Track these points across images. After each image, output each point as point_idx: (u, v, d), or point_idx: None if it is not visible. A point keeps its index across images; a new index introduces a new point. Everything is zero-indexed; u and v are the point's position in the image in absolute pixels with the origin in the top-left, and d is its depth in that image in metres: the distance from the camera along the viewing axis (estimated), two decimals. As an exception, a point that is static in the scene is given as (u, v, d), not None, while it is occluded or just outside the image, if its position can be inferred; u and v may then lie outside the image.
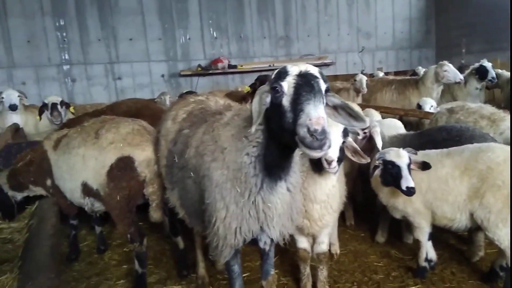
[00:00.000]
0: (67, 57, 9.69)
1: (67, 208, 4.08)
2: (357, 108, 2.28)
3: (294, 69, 1.97)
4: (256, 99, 2.11)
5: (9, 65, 9.22)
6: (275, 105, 1.99)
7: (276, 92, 1.97)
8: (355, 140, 3.39)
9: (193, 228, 3.21)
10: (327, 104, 2.03)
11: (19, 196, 4.17)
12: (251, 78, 10.88)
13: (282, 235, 2.54)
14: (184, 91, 9.16)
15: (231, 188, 2.32)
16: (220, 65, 10.79)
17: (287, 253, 3.90)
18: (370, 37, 13.04)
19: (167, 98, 8.49)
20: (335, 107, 2.13)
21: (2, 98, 6.27)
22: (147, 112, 4.81)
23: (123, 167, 3.42)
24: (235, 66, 11.03)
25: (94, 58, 9.92)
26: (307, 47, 12.20)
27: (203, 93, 4.98)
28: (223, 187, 2.35)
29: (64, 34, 9.59)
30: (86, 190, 3.66)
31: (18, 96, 6.36)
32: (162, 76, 10.67)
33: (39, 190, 4.11)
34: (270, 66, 11.28)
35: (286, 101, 1.93)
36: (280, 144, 2.12)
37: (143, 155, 3.46)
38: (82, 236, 4.57)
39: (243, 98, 5.80)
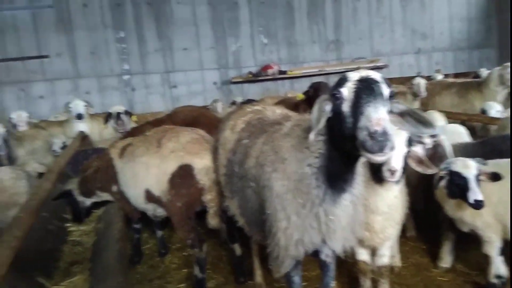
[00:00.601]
0: (127, 67, 10.25)
1: (131, 213, 4.30)
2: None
3: (354, 75, 1.96)
4: (316, 108, 2.11)
5: (74, 76, 9.91)
6: (336, 112, 1.98)
7: (336, 99, 1.96)
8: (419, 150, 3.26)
9: (250, 235, 3.26)
10: (392, 112, 1.98)
11: (88, 201, 4.46)
12: (300, 84, 10.87)
13: (344, 247, 2.50)
14: (235, 98, 9.35)
15: (292, 199, 2.32)
16: (270, 71, 10.86)
17: (345, 264, 3.82)
18: (426, 38, 12.47)
19: (219, 105, 8.72)
20: (401, 114, 2.07)
21: (70, 107, 6.75)
22: (203, 120, 4.96)
23: (183, 175, 3.55)
24: (285, 72, 11.04)
25: (151, 68, 10.40)
26: (358, 50, 11.93)
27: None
28: (284, 198, 2.36)
29: (124, 45, 10.16)
30: (149, 196, 3.83)
31: (85, 105, 6.82)
32: (215, 83, 10.94)
33: (105, 196, 4.37)
34: (320, 70, 11.18)
35: (346, 107, 1.91)
36: (343, 154, 2.10)
37: (201, 163, 3.57)
38: (144, 239, 4.76)
39: (296, 105, 5.80)
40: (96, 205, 4.65)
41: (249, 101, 6.73)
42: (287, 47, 11.44)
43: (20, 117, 6.70)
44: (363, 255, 3.20)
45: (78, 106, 6.72)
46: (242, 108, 3.55)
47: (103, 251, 3.82)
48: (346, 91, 1.92)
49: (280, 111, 3.16)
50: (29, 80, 9.64)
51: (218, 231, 4.38)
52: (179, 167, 3.55)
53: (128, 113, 6.52)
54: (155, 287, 3.87)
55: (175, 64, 10.57)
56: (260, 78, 10.88)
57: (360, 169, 2.32)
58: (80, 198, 4.40)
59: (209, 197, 3.60)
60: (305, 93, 6.09)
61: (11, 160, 5.81)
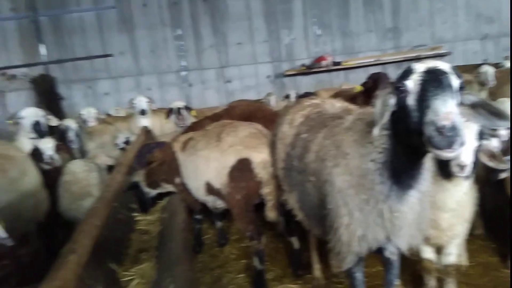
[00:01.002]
0: (184, 63, 10.62)
1: (192, 204, 4.49)
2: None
3: (420, 66, 1.88)
4: (379, 101, 2.06)
5: (137, 73, 10.46)
6: (400, 106, 1.92)
7: (400, 92, 1.90)
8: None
9: (308, 229, 3.27)
10: (463, 103, 1.89)
11: (153, 192, 4.73)
12: (356, 75, 10.57)
13: (410, 245, 2.43)
14: (288, 91, 9.32)
15: (355, 194, 2.30)
16: (324, 62, 10.68)
17: (409, 262, 3.70)
18: (492, 22, 11.52)
19: (273, 98, 8.76)
20: (473, 106, 1.96)
21: (134, 103, 7.16)
22: (260, 114, 5.02)
23: (242, 168, 3.63)
24: (339, 63, 10.80)
25: (207, 63, 10.68)
26: (418, 38, 11.33)
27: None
28: (346, 193, 2.33)
29: (182, 43, 10.52)
30: (209, 189, 3.98)
31: (147, 101, 7.20)
32: (268, 77, 10.98)
33: (169, 187, 4.60)
34: (376, 60, 10.79)
35: (411, 100, 1.85)
36: (408, 149, 2.03)
37: (259, 157, 3.62)
38: (204, 229, 4.94)
39: (353, 98, 5.66)
40: (161, 195, 4.91)
41: (306, 94, 6.66)
42: (342, 38, 11.16)
43: (89, 113, 7.23)
44: (428, 253, 3.09)
45: (142, 102, 7.11)
46: (300, 102, 3.55)
47: (168, 240, 4.03)
48: (412, 84, 1.86)
49: (340, 104, 3.11)
50: (95, 78, 10.33)
51: (276, 224, 4.44)
52: (237, 161, 3.64)
53: (188, 108, 6.79)
54: (216, 276, 4.01)
55: (229, 59, 10.75)
56: (313, 70, 10.75)
57: (428, 164, 2.23)
58: (146, 189, 4.67)
59: (267, 191, 3.65)
60: (364, 84, 5.92)
61: (82, 154, 6.30)
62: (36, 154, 4.65)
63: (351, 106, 3.05)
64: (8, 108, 9.76)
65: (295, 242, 3.91)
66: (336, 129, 2.60)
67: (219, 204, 4.09)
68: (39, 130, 5.28)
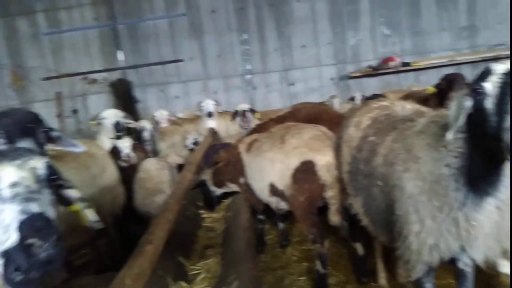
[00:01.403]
0: (249, 67, 10.88)
1: (256, 204, 4.57)
2: None
3: (499, 68, 1.77)
4: (454, 104, 1.97)
5: (204, 77, 10.93)
6: (477, 109, 1.82)
7: (477, 94, 1.80)
8: None
9: (373, 236, 3.19)
10: None
11: (218, 191, 4.91)
12: (426, 76, 10.05)
13: (486, 257, 2.27)
14: (353, 94, 9.11)
15: (427, 201, 2.20)
16: (392, 63, 10.29)
17: (483, 275, 3.44)
18: None
19: (336, 101, 8.62)
20: None
21: (202, 106, 7.50)
22: (325, 116, 4.97)
23: (305, 171, 3.63)
24: (408, 64, 10.34)
25: (271, 66, 10.84)
26: (497, 36, 10.44)
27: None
28: (418, 200, 2.24)
29: (247, 47, 10.79)
30: (273, 190, 4.03)
31: (214, 104, 7.50)
32: (332, 79, 10.85)
33: (234, 187, 4.75)
34: (450, 61, 10.16)
35: (489, 104, 1.75)
36: (486, 154, 1.92)
37: (324, 160, 3.60)
38: (266, 230, 5.01)
39: (425, 99, 5.40)
40: (226, 195, 5.08)
41: (374, 96, 6.46)
42: (412, 37, 10.68)
43: (162, 115, 7.72)
44: (506, 267, 2.85)
45: (209, 105, 7.43)
46: (367, 104, 3.48)
47: (232, 238, 4.16)
48: (490, 86, 1.76)
49: (410, 106, 2.99)
50: (167, 82, 10.97)
51: (340, 229, 4.37)
52: (301, 163, 3.65)
53: (253, 111, 6.96)
54: (278, 276, 4.05)
55: (293, 61, 10.81)
56: (380, 71, 10.39)
57: (508, 170, 2.08)
58: (212, 188, 4.87)
59: (330, 194, 3.62)
60: (437, 86, 5.61)
61: (155, 153, 6.72)
62: (114, 152, 5.06)
63: (424, 109, 2.93)
64: (89, 110, 10.72)
65: (359, 248, 3.82)
66: (407, 132, 2.51)
67: (282, 205, 4.12)
68: (119, 130, 5.70)
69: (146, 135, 6.62)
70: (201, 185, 4.87)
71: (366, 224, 3.06)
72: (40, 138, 2.72)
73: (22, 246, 1.33)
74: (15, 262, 1.34)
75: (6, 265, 1.35)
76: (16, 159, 1.53)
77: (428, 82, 7.08)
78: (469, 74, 9.86)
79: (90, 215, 1.84)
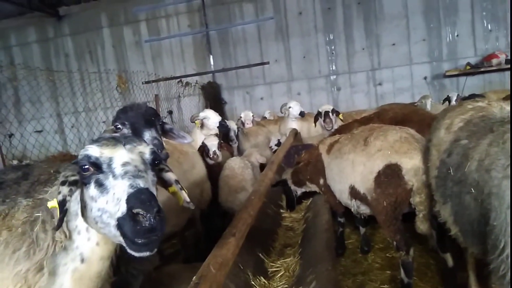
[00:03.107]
0: (334, 68, 10.75)
1: (335, 206, 4.53)
2: None
3: None
4: None
5: (288, 79, 11.09)
6: None
7: None
8: None
9: (464, 247, 2.95)
10: None
11: (299, 191, 4.97)
12: (539, 74, 8.90)
13: None
14: (449, 93, 8.45)
15: None
16: (495, 61, 9.32)
17: None
18: None
19: (429, 101, 8.06)
20: None
21: (290, 107, 7.61)
22: (415, 118, 4.71)
23: (390, 174, 3.49)
24: (515, 61, 9.25)
25: (357, 66, 10.59)
26: None
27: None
28: None
29: (333, 47, 10.67)
30: (354, 192, 3.95)
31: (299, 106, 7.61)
32: (424, 78, 10.19)
33: (313, 187, 4.76)
34: None
35: None
36: None
37: (410, 163, 3.43)
38: (346, 234, 4.93)
39: (532, 100, 4.79)
40: (306, 195, 5.11)
41: (471, 97, 5.92)
42: (520, 31, 9.54)
43: (247, 116, 8.02)
44: None
45: (298, 106, 7.52)
46: (460, 105, 3.23)
47: (312, 238, 4.16)
48: None
49: (509, 107, 2.72)
50: (253, 84, 11.35)
51: (427, 237, 4.12)
52: (386, 166, 3.52)
53: (335, 112, 6.85)
54: (359, 282, 3.96)
55: (381, 61, 10.42)
56: (481, 69, 9.47)
57: None
58: (292, 187, 4.94)
59: (417, 200, 3.43)
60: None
61: (239, 152, 7.00)
62: (203, 150, 5.40)
63: (526, 110, 2.64)
64: (182, 111, 11.55)
65: (449, 259, 3.56)
66: (507, 136, 2.29)
67: (363, 209, 4.02)
68: (223, 129, 6.00)
69: (232, 134, 6.88)
70: (283, 183, 4.97)
71: (455, 233, 2.85)
72: (158, 129, 3.05)
73: (129, 215, 1.53)
74: (123, 229, 1.55)
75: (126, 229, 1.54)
76: (127, 144, 1.77)
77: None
78: None
79: (185, 197, 2.03)
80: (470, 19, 9.81)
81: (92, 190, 1.70)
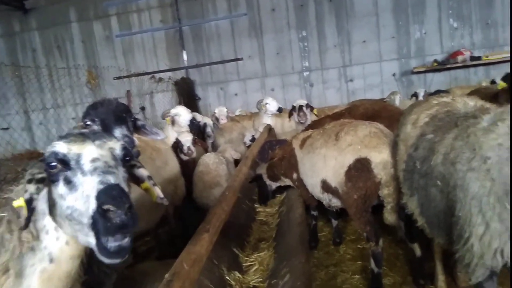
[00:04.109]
0: (307, 64, 10.86)
1: (308, 200, 4.61)
2: None
3: None
4: None
5: (262, 75, 11.12)
6: None
7: None
8: None
9: (430, 237, 3.07)
10: None
11: (274, 185, 5.04)
12: (499, 70, 9.31)
13: (557, 264, 2.10)
14: (416, 90, 8.72)
15: (495, 203, 2.07)
16: (460, 58, 9.67)
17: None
18: None
19: (397, 97, 8.30)
20: None
21: (267, 104, 7.66)
22: (385, 113, 4.84)
23: (360, 168, 3.58)
24: (479, 58, 9.66)
25: (329, 63, 10.74)
26: None
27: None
28: (483, 201, 2.12)
29: (305, 44, 10.77)
30: (326, 186, 4.03)
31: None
32: (393, 75, 10.46)
33: (288, 182, 4.83)
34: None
35: None
36: None
37: (379, 157, 3.53)
38: (319, 227, 5.02)
39: (494, 95, 5.04)
40: (280, 189, 5.18)
41: (437, 92, 6.14)
42: (483, 30, 9.97)
43: (221, 111, 7.99)
44: None
45: (274, 102, 7.60)
46: (426, 100, 3.35)
47: (285, 232, 4.22)
48: None
49: (473, 103, 2.84)
50: (227, 80, 11.31)
51: (396, 229, 4.26)
52: (356, 160, 3.60)
53: (310, 107, 6.96)
54: (331, 274, 4.05)
55: (353, 57, 10.60)
56: (447, 66, 9.81)
57: None
58: (267, 182, 5.00)
59: (386, 192, 3.54)
60: (504, 78, 5.18)
61: (214, 148, 6.98)
62: (177, 146, 5.36)
63: (488, 105, 2.76)
64: (155, 107, 11.38)
65: (417, 249, 3.70)
66: (471, 130, 2.38)
67: (334, 202, 4.11)
68: (194, 127, 5.95)
69: (209, 130, 6.80)
70: (258, 178, 5.02)
71: (422, 225, 2.96)
72: (130, 126, 2.98)
73: (99, 212, 1.50)
74: (95, 227, 1.52)
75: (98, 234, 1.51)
76: (97, 139, 1.73)
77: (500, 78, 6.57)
78: (549, 68, 9.06)
79: (159, 192, 2.01)
80: (437, 17, 10.13)
81: (60, 187, 1.65)
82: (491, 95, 5.04)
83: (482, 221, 2.12)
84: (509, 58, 9.34)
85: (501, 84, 5.31)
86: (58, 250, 1.80)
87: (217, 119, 7.94)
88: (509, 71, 5.40)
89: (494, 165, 2.10)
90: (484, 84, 8.26)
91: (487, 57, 9.61)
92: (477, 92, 5.65)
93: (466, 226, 2.21)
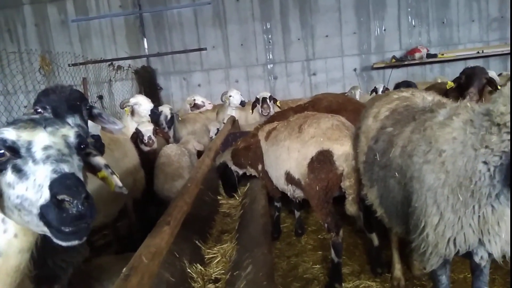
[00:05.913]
0: (271, 57, 10.85)
1: (272, 191, 4.64)
2: None
3: None
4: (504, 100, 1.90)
5: (226, 66, 10.98)
6: None
7: None
8: None
9: (388, 227, 3.17)
10: None
11: (240, 172, 5.06)
12: (453, 68, 9.80)
13: (504, 252, 2.23)
14: (375, 85, 8.95)
15: (449, 194, 2.14)
16: (417, 55, 10.03)
17: (501, 270, 3.39)
18: None
19: (357, 92, 8.48)
20: None
21: (230, 96, 7.58)
22: (349, 107, 4.93)
23: (322, 160, 3.63)
24: (435, 55, 10.06)
25: (293, 56, 10.77)
26: (531, 28, 10.03)
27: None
28: (438, 192, 2.20)
29: (270, 36, 10.75)
30: (289, 178, 4.06)
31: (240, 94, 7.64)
32: (354, 70, 10.69)
33: (253, 172, 4.84)
34: (478, 53, 9.84)
35: None
36: None
37: (341, 150, 3.59)
38: (282, 218, 5.07)
39: (445, 93, 5.27)
40: (243, 179, 5.20)
41: (404, 83, 6.31)
42: (439, 28, 10.39)
43: (199, 99, 7.89)
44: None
45: (238, 95, 7.62)
46: (387, 94, 3.43)
47: (248, 224, 4.22)
48: None
49: (431, 97, 2.94)
50: (190, 70, 11.08)
51: (355, 219, 4.37)
52: (318, 152, 3.65)
53: (273, 99, 6.99)
54: (293, 264, 4.11)
55: (316, 51, 10.70)
56: (405, 62, 10.17)
57: None
58: (233, 168, 5.01)
59: (347, 184, 3.61)
60: (455, 80, 5.47)
61: (176, 139, 6.84)
62: (137, 137, 5.18)
63: (444, 100, 2.88)
64: (114, 96, 10.95)
65: (374, 238, 3.82)
66: (428, 123, 2.46)
67: (298, 193, 4.15)
68: (154, 116, 5.75)
69: (162, 119, 6.42)
70: (224, 167, 5.01)
71: (381, 215, 3.05)
72: (84, 114, 2.81)
73: (54, 202, 1.40)
74: (47, 218, 1.42)
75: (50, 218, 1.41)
76: (49, 126, 1.62)
77: (454, 75, 6.87)
78: (498, 67, 9.63)
79: (117, 181, 1.92)
80: (396, 15, 10.44)
81: (9, 176, 1.53)
82: (442, 93, 5.27)
83: (436, 212, 2.20)
84: (462, 57, 9.85)
85: (449, 84, 5.58)
86: (6, 243, 1.68)
87: (197, 107, 7.85)
88: (462, 69, 5.70)
89: (448, 158, 2.18)
90: (439, 80, 8.62)
91: (442, 55, 10.04)
92: (433, 88, 5.91)
93: (422, 216, 2.29)
